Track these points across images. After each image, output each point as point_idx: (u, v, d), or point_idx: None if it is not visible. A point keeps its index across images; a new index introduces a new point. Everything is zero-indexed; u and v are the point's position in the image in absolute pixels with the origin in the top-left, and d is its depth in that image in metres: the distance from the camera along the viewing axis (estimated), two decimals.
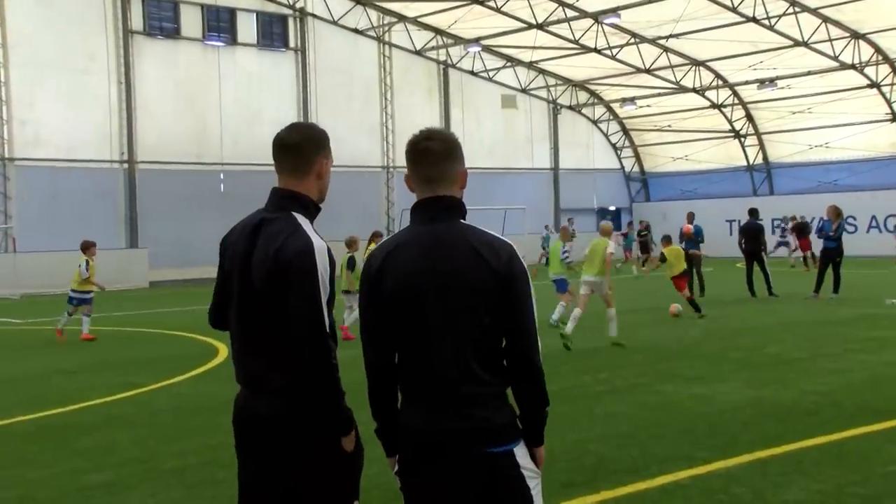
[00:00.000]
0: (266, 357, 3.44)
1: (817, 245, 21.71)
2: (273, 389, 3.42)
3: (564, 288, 17.41)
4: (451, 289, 3.18)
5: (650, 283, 27.68)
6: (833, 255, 20.84)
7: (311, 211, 3.55)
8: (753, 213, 22.63)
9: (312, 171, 3.54)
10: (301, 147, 3.53)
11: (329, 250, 3.42)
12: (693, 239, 22.73)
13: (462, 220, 3.29)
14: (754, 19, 33.78)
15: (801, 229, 31.89)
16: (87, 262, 17.04)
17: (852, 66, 36.36)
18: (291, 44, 38.20)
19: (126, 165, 34.20)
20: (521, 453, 3.22)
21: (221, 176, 36.07)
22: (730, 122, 43.81)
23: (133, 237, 34.13)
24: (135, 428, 9.24)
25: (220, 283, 3.69)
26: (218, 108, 36.00)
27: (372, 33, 40.14)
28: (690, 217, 23.70)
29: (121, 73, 34.05)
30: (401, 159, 39.94)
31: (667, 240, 19.41)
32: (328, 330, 3.37)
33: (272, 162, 3.60)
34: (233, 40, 36.58)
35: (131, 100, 34.21)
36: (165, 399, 10.87)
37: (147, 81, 34.67)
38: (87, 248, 17.17)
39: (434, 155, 3.28)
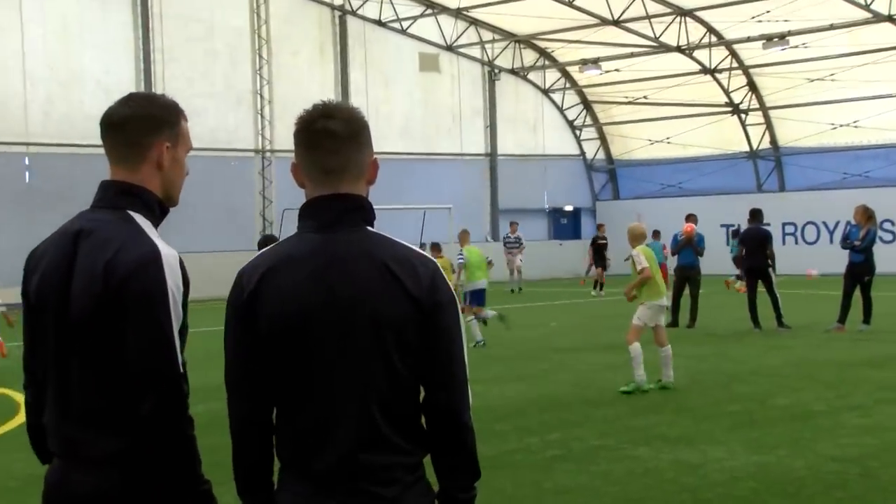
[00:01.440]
0: (92, 414, 3.43)
1: (841, 259, 22.03)
2: (102, 458, 3.41)
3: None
4: (354, 322, 3.24)
5: (615, 308, 27.93)
6: (861, 273, 21.27)
7: (156, 212, 3.59)
8: (757, 215, 23.09)
9: (147, 160, 3.57)
10: (128, 126, 3.57)
11: (182, 263, 3.45)
12: (693, 247, 23.38)
13: (369, 228, 3.36)
14: None
15: None
16: None
17: (889, 18, 37.23)
18: None
19: None
20: None
21: (26, 161, 35.43)
22: (726, 92, 44.42)
23: None
24: None
25: (27, 321, 3.67)
26: (19, 67, 35.23)
27: None
28: (693, 219, 24.29)
29: None
30: (281, 140, 39.85)
31: (436, 248, 21.73)
32: (181, 371, 3.38)
33: (101, 142, 3.65)
34: None
35: None
36: None
37: None
38: None
39: (335, 139, 3.34)
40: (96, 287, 3.37)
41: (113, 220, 3.48)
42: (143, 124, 3.56)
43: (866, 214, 21.51)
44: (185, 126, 3.66)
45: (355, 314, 3.23)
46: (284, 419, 3.32)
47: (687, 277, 23.35)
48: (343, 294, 3.24)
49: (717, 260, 36.80)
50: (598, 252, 36.57)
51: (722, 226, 41.83)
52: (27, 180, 35.36)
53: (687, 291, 23.38)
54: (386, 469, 3.21)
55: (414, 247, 3.35)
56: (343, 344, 3.24)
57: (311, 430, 3.25)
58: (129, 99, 3.63)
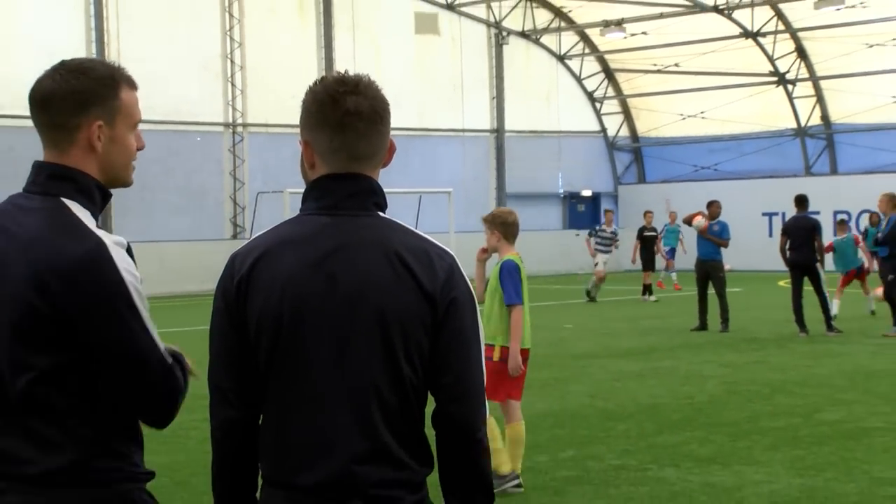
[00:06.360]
0: (24, 427, 3.39)
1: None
2: (31, 477, 3.37)
3: None
4: (356, 317, 3.32)
5: (640, 308, 28.60)
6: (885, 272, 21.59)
7: (95, 198, 3.56)
8: (803, 202, 22.92)
9: (77, 143, 3.52)
10: (52, 105, 3.51)
11: (130, 249, 3.44)
12: (711, 238, 23.44)
13: (382, 214, 3.44)
14: None
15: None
16: None
17: None
18: None
19: None
20: None
21: None
22: (771, 59, 44.41)
23: None
24: None
25: None
26: None
27: None
28: (715, 210, 24.16)
29: None
30: (254, 112, 39.75)
31: None
32: (168, 364, 3.42)
33: None
34: None
35: None
36: None
37: None
38: None
39: (366, 121, 3.43)
40: (29, 297, 3.33)
41: (42, 211, 3.44)
42: (67, 103, 3.49)
43: (893, 202, 21.67)
44: (126, 97, 3.56)
45: (358, 308, 3.29)
46: (272, 426, 3.37)
47: (707, 273, 23.28)
48: (345, 284, 3.30)
49: (759, 254, 36.74)
50: (647, 248, 33.50)
51: (764, 214, 42.35)
52: None
53: (712, 291, 23.28)
54: (385, 485, 3.28)
55: (432, 238, 3.41)
56: (344, 342, 3.30)
57: (302, 438, 3.32)
58: (57, 70, 3.53)
